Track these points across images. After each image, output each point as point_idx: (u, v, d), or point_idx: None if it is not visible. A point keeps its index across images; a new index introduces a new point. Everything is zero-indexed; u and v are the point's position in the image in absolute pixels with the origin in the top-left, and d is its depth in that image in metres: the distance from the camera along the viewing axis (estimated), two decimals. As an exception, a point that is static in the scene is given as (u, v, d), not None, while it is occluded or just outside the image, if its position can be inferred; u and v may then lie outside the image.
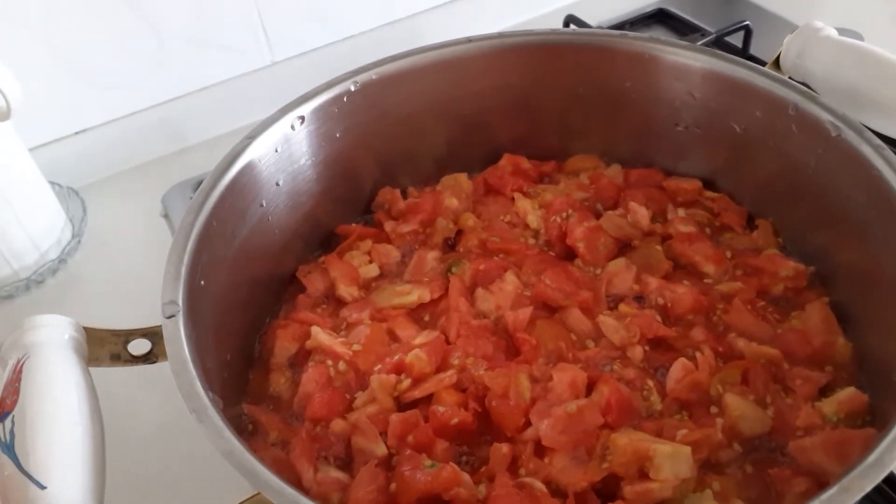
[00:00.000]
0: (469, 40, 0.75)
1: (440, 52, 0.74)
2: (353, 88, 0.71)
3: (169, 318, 0.52)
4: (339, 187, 0.77)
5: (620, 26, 1.19)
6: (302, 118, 0.69)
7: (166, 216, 0.96)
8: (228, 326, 0.64)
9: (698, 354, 0.62)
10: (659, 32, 1.21)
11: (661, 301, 0.68)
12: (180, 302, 0.53)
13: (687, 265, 0.72)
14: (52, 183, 0.98)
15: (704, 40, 1.04)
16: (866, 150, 0.58)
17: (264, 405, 0.65)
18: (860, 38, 0.99)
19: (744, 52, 1.07)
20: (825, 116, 0.62)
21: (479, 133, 0.82)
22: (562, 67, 0.77)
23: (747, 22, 1.05)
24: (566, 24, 1.13)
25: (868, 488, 0.45)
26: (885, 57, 0.65)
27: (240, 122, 1.09)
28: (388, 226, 0.77)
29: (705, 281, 0.70)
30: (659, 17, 1.23)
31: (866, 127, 0.60)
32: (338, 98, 0.71)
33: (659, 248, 0.72)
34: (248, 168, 0.66)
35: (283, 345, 0.68)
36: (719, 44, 1.08)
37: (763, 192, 0.73)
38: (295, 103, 0.69)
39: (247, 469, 0.45)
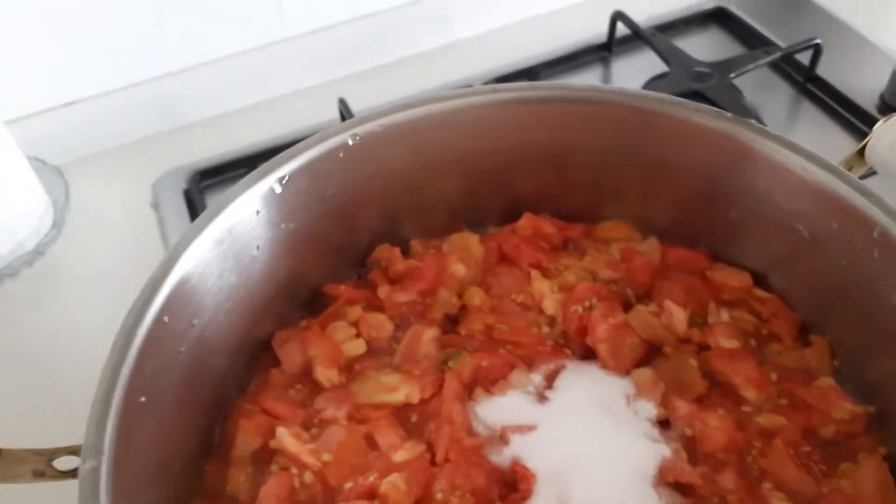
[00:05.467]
0: (494, 90, 0.62)
1: (460, 102, 0.61)
2: (351, 143, 0.60)
3: (88, 467, 0.43)
4: (330, 240, 0.66)
5: (673, 25, 1.06)
6: (282, 179, 0.58)
7: (156, 206, 0.89)
8: (181, 420, 0.55)
9: (722, 518, 0.53)
10: (717, 35, 1.07)
11: (689, 432, 0.58)
12: (106, 447, 0.44)
13: (724, 384, 0.61)
14: (32, 159, 0.90)
15: (769, 58, 0.94)
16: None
17: (218, 505, 0.57)
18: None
19: (810, 73, 0.95)
20: (919, 256, 0.50)
21: (499, 187, 0.70)
22: (598, 129, 0.64)
23: (818, 40, 0.93)
24: (613, 22, 1.00)
25: None
26: None
27: (243, 101, 1.01)
28: (383, 291, 0.66)
29: (743, 408, 0.59)
30: (717, 17, 1.08)
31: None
32: (332, 153, 0.60)
33: (694, 362, 0.61)
34: (218, 243, 0.56)
35: (246, 438, 0.59)
36: (785, 62, 0.98)
37: (822, 303, 0.61)
38: (278, 161, 0.58)
39: None
